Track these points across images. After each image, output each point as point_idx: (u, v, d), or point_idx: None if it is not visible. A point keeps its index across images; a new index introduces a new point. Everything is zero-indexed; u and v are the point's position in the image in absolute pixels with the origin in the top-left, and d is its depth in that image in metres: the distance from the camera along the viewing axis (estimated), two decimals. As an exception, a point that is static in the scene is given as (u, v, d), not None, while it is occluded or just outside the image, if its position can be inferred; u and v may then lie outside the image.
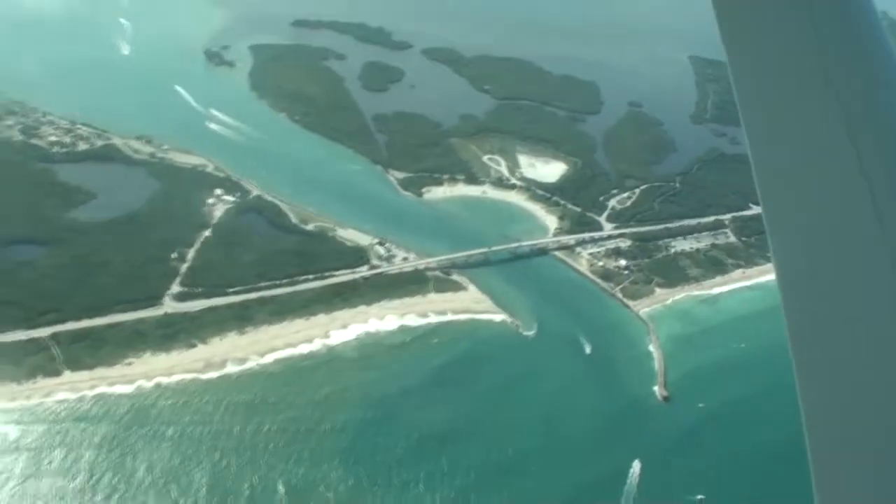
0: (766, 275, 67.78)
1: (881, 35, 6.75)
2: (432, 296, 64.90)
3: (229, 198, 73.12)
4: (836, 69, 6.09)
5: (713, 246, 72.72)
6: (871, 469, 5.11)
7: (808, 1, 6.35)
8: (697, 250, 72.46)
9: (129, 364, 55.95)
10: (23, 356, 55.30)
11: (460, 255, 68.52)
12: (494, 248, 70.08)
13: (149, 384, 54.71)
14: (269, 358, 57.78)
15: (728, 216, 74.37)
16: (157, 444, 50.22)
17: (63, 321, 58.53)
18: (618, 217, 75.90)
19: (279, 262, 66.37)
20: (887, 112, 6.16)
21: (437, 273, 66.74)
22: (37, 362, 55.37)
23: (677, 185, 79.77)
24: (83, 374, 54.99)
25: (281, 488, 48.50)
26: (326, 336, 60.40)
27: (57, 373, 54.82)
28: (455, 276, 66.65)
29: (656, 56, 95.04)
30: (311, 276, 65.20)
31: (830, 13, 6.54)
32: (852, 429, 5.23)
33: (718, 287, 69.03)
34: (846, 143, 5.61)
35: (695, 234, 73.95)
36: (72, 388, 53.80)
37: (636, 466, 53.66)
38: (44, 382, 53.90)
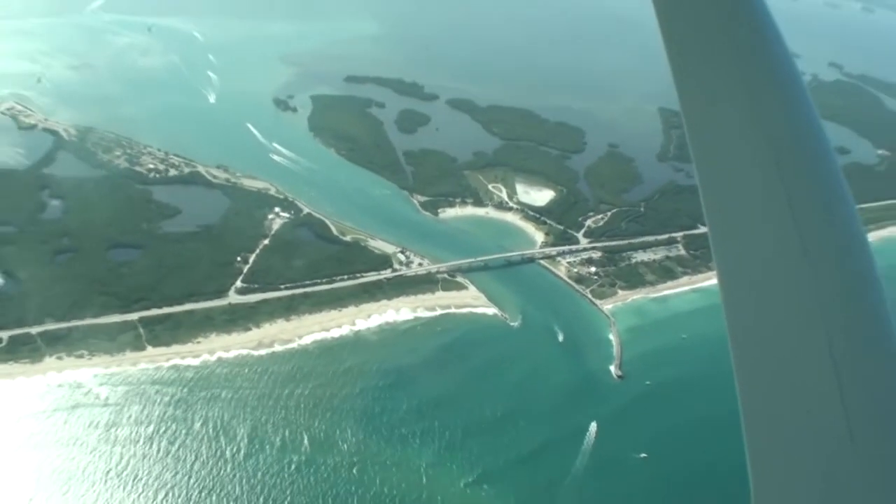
0: (707, 280, 68.28)
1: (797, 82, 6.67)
2: (440, 293, 65.89)
3: (285, 214, 73.98)
4: (771, 125, 6.21)
5: (666, 257, 73.22)
6: (803, 458, 5.13)
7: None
8: (654, 261, 73.00)
9: (198, 342, 57.53)
10: (117, 334, 56.83)
11: (464, 261, 69.35)
12: (492, 257, 70.92)
13: (212, 358, 56.27)
14: (307, 339, 59.08)
15: (680, 234, 74.76)
16: (213, 403, 51.79)
17: (149, 308, 59.84)
18: (592, 233, 76.28)
19: (321, 265, 67.40)
20: (812, 154, 6.24)
21: (445, 275, 67.67)
22: (127, 339, 56.82)
23: (641, 209, 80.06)
24: (161, 350, 56.53)
25: (306, 440, 49.56)
26: (353, 323, 61.45)
27: (142, 348, 56.39)
28: (459, 278, 67.52)
29: (632, 108, 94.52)
30: (345, 277, 66.31)
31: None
32: (784, 416, 5.27)
33: (668, 290, 69.63)
34: (776, 180, 5.71)
35: (652, 248, 74.47)
36: (151, 359, 55.37)
37: (593, 428, 54.32)
38: (131, 355, 55.48)
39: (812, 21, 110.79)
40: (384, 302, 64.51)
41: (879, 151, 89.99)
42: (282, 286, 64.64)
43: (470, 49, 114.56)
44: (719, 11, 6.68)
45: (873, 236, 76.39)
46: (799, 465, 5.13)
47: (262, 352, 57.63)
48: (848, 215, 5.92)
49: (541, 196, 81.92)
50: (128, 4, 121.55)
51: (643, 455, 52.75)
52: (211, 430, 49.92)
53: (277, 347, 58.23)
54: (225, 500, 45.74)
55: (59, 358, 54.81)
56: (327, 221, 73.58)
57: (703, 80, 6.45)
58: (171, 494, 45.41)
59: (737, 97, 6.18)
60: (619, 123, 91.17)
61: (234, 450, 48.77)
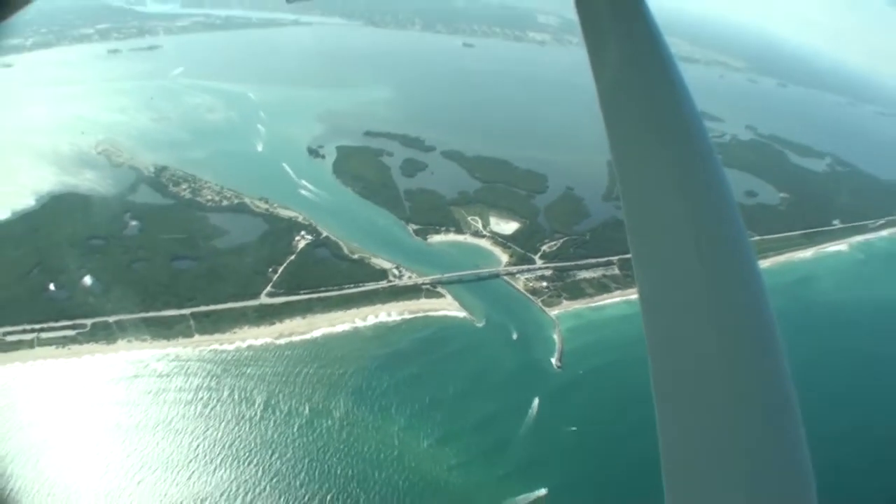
0: (632, 294, 67.56)
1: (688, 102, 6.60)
2: (423, 300, 67.15)
3: (308, 237, 75.19)
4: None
5: (603, 275, 73.79)
6: (713, 456, 4.90)
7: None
8: (593, 278, 73.75)
9: (234, 332, 59.57)
10: (172, 324, 59.19)
11: (444, 275, 70.49)
12: (466, 272, 71.87)
13: (243, 344, 58.33)
14: (317, 332, 60.89)
15: (615, 258, 75.27)
16: (239, 378, 53.94)
17: (198, 305, 61.85)
18: (546, 256, 76.98)
19: (333, 276, 68.81)
20: (714, 196, 6.06)
21: (428, 286, 68.74)
22: (179, 328, 59.11)
23: (587, 237, 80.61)
24: (205, 337, 58.74)
25: (307, 408, 51.63)
26: (353, 321, 63.11)
27: (190, 335, 58.63)
28: (439, 289, 68.63)
29: (586, 158, 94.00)
30: (351, 285, 67.76)
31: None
32: (686, 401, 5.12)
33: (603, 300, 70.49)
34: (684, 218, 5.74)
35: (593, 268, 75.07)
36: (196, 344, 57.64)
37: (535, 403, 55.77)
38: (181, 340, 57.82)
39: (735, 93, 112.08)
40: (379, 306, 65.96)
41: (781, 195, 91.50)
42: (301, 292, 66.14)
43: (461, 109, 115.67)
44: (644, 85, 6.77)
45: (773, 260, 77.83)
46: (700, 444, 4.97)
47: (282, 341, 59.48)
48: (742, 242, 5.92)
49: (508, 227, 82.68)
50: (200, 72, 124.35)
51: (573, 428, 53.88)
52: (236, 398, 52.02)
53: (294, 338, 60.08)
54: (242, 449, 47.66)
55: (129, 341, 56.98)
56: (340, 243, 74.84)
57: (632, 143, 6.49)
58: (202, 443, 47.54)
59: (658, 158, 6.25)
60: (574, 170, 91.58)
61: (252, 413, 50.70)
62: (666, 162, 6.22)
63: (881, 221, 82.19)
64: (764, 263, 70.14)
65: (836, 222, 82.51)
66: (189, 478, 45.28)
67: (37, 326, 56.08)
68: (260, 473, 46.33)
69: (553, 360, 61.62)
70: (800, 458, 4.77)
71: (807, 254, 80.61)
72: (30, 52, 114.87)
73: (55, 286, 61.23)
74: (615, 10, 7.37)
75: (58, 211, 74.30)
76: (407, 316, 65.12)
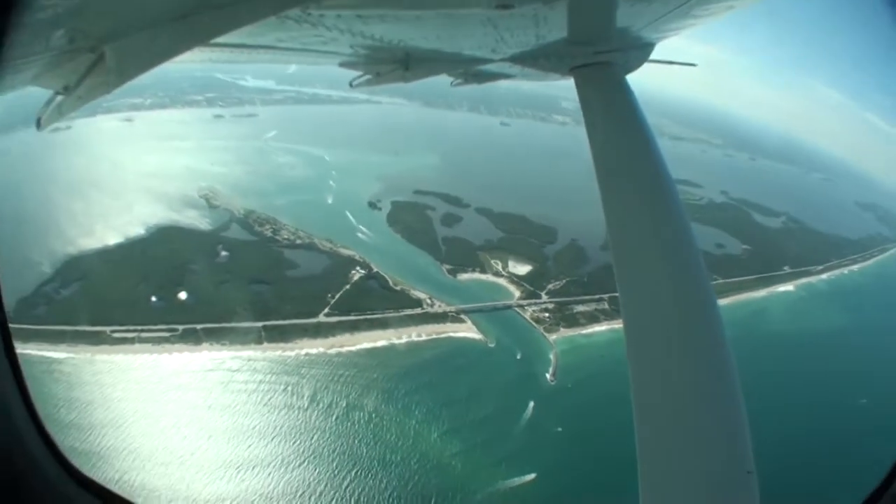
0: (618, 324, 66.87)
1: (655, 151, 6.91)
2: (448, 324, 69.81)
3: (362, 271, 78.19)
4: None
5: (595, 309, 74.77)
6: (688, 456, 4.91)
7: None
8: (587, 311, 74.93)
9: (295, 343, 63.18)
10: (246, 333, 63.15)
11: (467, 306, 73.15)
12: (485, 304, 74.23)
13: (301, 353, 61.95)
14: (361, 346, 64.13)
15: (606, 295, 75.23)
16: (293, 377, 57.97)
17: (269, 320, 65.23)
18: (550, 293, 78.67)
19: (378, 302, 71.83)
20: (682, 251, 6.36)
21: (453, 314, 71.49)
22: (251, 337, 62.81)
23: (585, 279, 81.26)
24: (272, 345, 62.54)
25: (345, 402, 55.20)
26: (390, 339, 66.03)
27: (260, 343, 62.40)
28: (462, 316, 71.27)
29: (591, 217, 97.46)
30: (391, 310, 70.52)
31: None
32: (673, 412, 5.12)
33: (593, 329, 71.85)
34: (659, 264, 5.92)
35: (587, 303, 76.04)
36: (264, 350, 61.43)
37: (530, 406, 57.97)
38: (253, 346, 61.75)
39: (713, 165, 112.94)
40: (412, 327, 68.63)
41: (743, 246, 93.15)
42: (352, 314, 69.08)
43: (494, 175, 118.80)
44: (628, 151, 7.08)
45: (733, 298, 78.82)
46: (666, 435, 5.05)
47: (332, 351, 62.95)
48: (702, 280, 6.22)
49: (522, 269, 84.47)
50: (288, 137, 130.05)
51: (559, 429, 55.77)
52: (289, 391, 55.94)
53: (342, 349, 63.41)
54: (290, 430, 51.55)
55: (210, 344, 61.02)
56: (387, 277, 77.86)
57: (617, 200, 6.72)
58: (258, 422, 51.67)
59: (638, 214, 6.50)
60: (579, 225, 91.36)
61: (300, 404, 54.48)
62: (644, 217, 6.56)
63: (821, 267, 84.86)
64: (726, 301, 72.46)
65: (785, 268, 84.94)
66: (247, 449, 49.39)
67: (139, 328, 60.87)
68: (302, 449, 50.10)
69: (548, 375, 63.73)
70: (744, 454, 4.87)
71: (761, 293, 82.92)
72: (148, 111, 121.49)
73: (156, 298, 65.88)
74: (603, 93, 8.06)
75: (163, 240, 79.35)
76: (434, 336, 67.81)
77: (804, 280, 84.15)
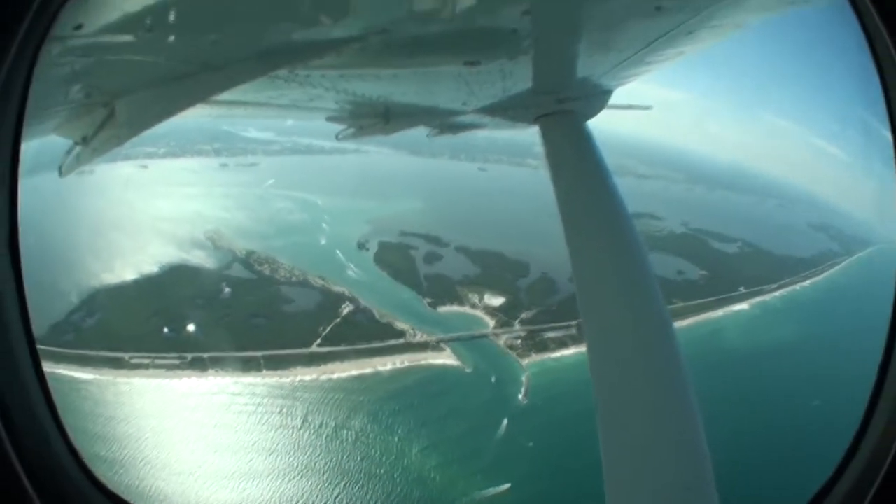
0: (583, 347, 70.08)
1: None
2: (429, 352, 71.52)
3: (352, 306, 79.44)
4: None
5: (564, 335, 75.61)
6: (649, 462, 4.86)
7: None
8: (557, 337, 76.09)
9: (291, 370, 64.92)
10: (247, 362, 65.08)
11: (446, 335, 74.72)
12: (462, 334, 75.85)
13: (296, 379, 63.95)
14: (348, 373, 66.16)
15: (574, 322, 73.13)
16: (287, 400, 60.02)
17: (267, 350, 66.71)
18: (523, 322, 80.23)
19: (365, 334, 73.34)
20: (640, 279, 6.42)
21: (433, 343, 73.12)
22: (252, 365, 64.68)
23: (555, 308, 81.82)
24: (270, 372, 64.42)
25: (334, 422, 57.21)
26: (376, 366, 67.84)
27: (260, 370, 64.34)
28: (442, 345, 72.88)
29: (560, 252, 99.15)
30: (378, 341, 72.14)
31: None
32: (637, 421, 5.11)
33: (561, 353, 73.24)
34: (618, 293, 5.95)
35: (556, 330, 76.95)
36: (263, 377, 63.57)
37: (504, 423, 59.89)
38: (253, 373, 63.92)
39: (674, 199, 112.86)
40: (396, 356, 70.36)
41: (701, 272, 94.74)
42: (342, 344, 70.47)
43: (472, 216, 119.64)
44: (588, 192, 7.10)
45: (693, 319, 79.62)
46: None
47: (324, 377, 64.77)
48: (658, 304, 6.25)
49: (497, 301, 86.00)
50: (285, 184, 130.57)
51: (530, 444, 57.69)
52: (284, 412, 58.06)
53: (333, 376, 65.20)
54: (282, 446, 53.88)
55: (215, 371, 63.13)
56: (373, 310, 79.27)
57: (580, 236, 6.64)
58: (257, 441, 53.96)
59: (598, 247, 6.46)
60: (550, 260, 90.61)
61: (294, 423, 56.76)
62: (603, 250, 6.53)
63: (775, 285, 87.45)
64: (686, 322, 74.53)
65: (741, 288, 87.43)
66: (247, 462, 51.69)
67: (153, 355, 63.21)
68: (294, 462, 52.48)
69: (520, 395, 65.65)
70: (702, 462, 4.82)
71: (718, 313, 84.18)
72: (161, 159, 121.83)
73: (168, 329, 68.03)
74: (564, 139, 8.02)
75: (174, 277, 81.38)
76: (416, 363, 69.60)
77: (759, 298, 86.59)
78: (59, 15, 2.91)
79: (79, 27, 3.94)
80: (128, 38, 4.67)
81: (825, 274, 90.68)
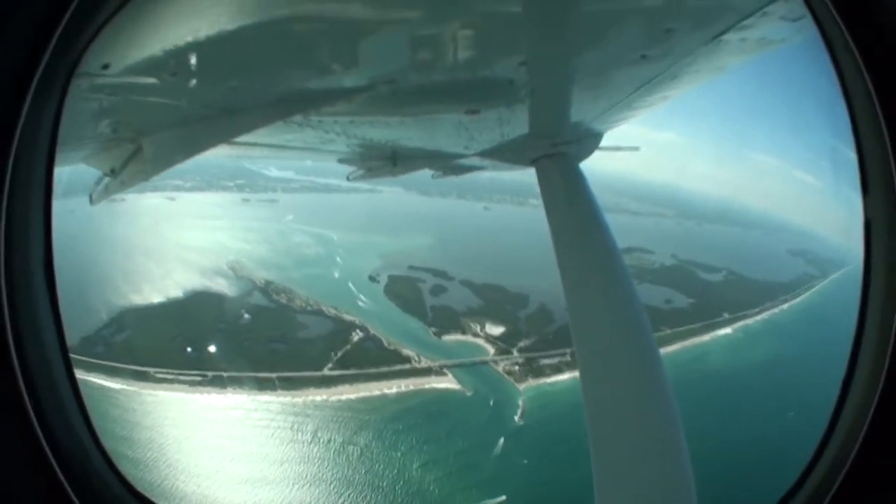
0: (576, 373, 70.34)
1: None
2: (432, 377, 73.66)
3: (362, 333, 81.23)
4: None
5: (559, 361, 76.27)
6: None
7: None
8: (552, 364, 76.82)
9: (303, 391, 67.69)
10: (263, 382, 67.64)
11: (449, 361, 76.69)
12: (464, 360, 77.45)
13: (308, 399, 66.51)
14: (358, 395, 68.72)
15: (569, 349, 71.26)
16: (301, 418, 62.70)
17: (282, 372, 68.74)
18: (521, 349, 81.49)
19: (374, 359, 75.57)
20: (627, 308, 6.59)
21: (437, 368, 75.11)
22: (267, 385, 67.17)
23: (552, 336, 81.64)
24: (284, 392, 67.01)
25: (342, 438, 60.37)
26: (382, 389, 70.28)
27: (275, 390, 66.83)
28: (444, 370, 74.93)
29: (560, 283, 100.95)
30: (384, 366, 74.23)
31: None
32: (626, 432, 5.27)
33: (556, 378, 74.34)
34: (607, 325, 6.13)
35: (552, 357, 77.77)
36: (277, 395, 66.03)
37: (500, 442, 62.17)
38: (268, 392, 66.40)
39: (665, 233, 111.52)
40: (401, 380, 72.59)
41: (689, 300, 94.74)
42: (351, 369, 73.01)
43: (476, 251, 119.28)
44: (579, 228, 7.27)
45: (680, 344, 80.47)
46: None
47: (333, 398, 67.30)
48: (644, 332, 6.46)
49: (497, 330, 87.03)
50: (303, 220, 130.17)
51: (525, 461, 60.10)
52: (295, 428, 61.15)
53: (342, 397, 67.79)
54: (292, 459, 57.30)
55: (233, 389, 65.93)
56: (382, 338, 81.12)
57: (572, 269, 6.80)
58: (267, 451, 57.65)
59: (589, 279, 6.71)
60: (549, 292, 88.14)
61: (304, 438, 60.03)
62: (594, 283, 6.76)
63: (756, 310, 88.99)
64: (673, 347, 75.77)
65: (725, 314, 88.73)
66: (259, 470, 55.61)
67: (176, 371, 66.46)
68: (302, 473, 56.03)
69: (516, 417, 67.86)
70: (683, 471, 5.10)
71: (704, 338, 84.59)
72: (188, 192, 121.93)
73: (190, 349, 71.18)
74: (559, 180, 8.10)
75: (197, 302, 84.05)
76: (420, 387, 71.99)
77: (741, 323, 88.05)
78: (86, 53, 2.96)
79: (106, 66, 4.03)
80: (152, 80, 4.78)
81: (802, 297, 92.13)
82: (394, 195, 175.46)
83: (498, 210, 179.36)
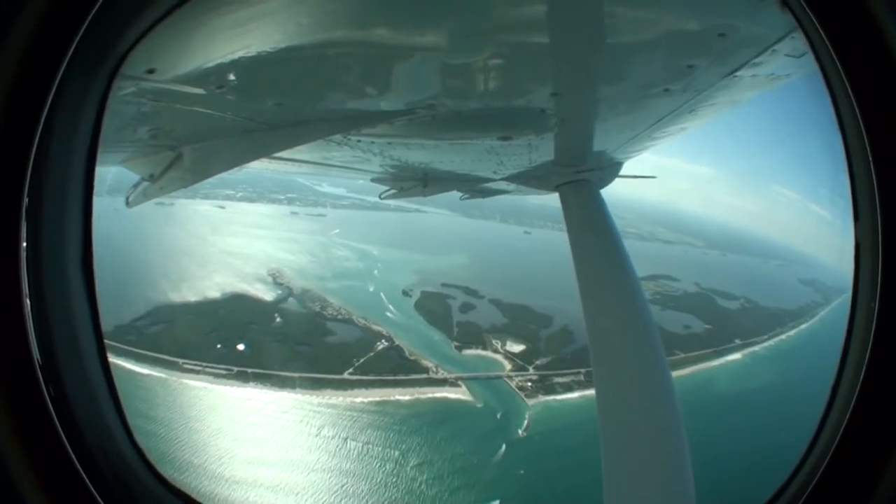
0: (588, 391, 69.69)
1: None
2: (447, 387, 75.77)
3: (386, 343, 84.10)
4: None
5: (572, 380, 77.32)
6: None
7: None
8: (565, 382, 77.92)
9: (323, 391, 70.76)
10: (285, 380, 71.15)
11: (465, 374, 78.49)
12: (480, 374, 79.24)
13: (326, 399, 69.94)
14: (373, 398, 71.13)
15: (583, 370, 75.43)
16: (318, 416, 65.96)
17: (305, 373, 72.74)
18: (537, 367, 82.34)
19: (394, 367, 78.28)
20: (642, 332, 6.59)
21: (453, 380, 77.28)
22: (289, 384, 70.60)
23: (569, 356, 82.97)
24: (305, 391, 70.57)
25: (350, 435, 63.26)
26: (398, 396, 72.85)
27: (294, 388, 70.51)
28: (459, 382, 76.94)
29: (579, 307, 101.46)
30: (403, 375, 76.99)
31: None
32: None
33: (566, 396, 75.45)
34: (625, 351, 6.02)
35: (566, 375, 78.79)
36: (298, 394, 69.75)
37: (503, 449, 64.03)
38: (288, 390, 69.94)
39: (691, 262, 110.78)
40: (417, 388, 74.97)
41: (706, 326, 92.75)
42: (370, 374, 75.74)
43: (511, 273, 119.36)
44: (600, 252, 7.36)
45: (692, 368, 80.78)
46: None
47: (347, 400, 70.16)
48: (657, 354, 6.63)
49: (517, 348, 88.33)
50: (348, 235, 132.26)
51: (521, 471, 61.61)
52: (311, 425, 64.69)
53: (356, 399, 70.71)
54: (308, 453, 60.73)
55: (255, 384, 69.88)
56: (405, 348, 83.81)
57: (592, 294, 6.86)
58: (283, 441, 61.59)
59: (607, 304, 6.72)
60: (572, 315, 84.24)
61: (320, 433, 63.91)
62: (612, 305, 6.96)
63: (766, 336, 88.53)
64: (686, 371, 75.34)
65: (736, 340, 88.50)
66: (273, 455, 59.67)
67: (204, 364, 70.67)
68: (316, 466, 59.76)
69: (520, 431, 69.06)
70: (686, 485, 5.33)
71: (715, 363, 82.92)
72: (238, 202, 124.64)
73: (220, 345, 75.38)
74: (582, 206, 8.39)
75: (233, 303, 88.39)
76: (433, 396, 74.36)
77: (750, 349, 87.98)
78: (131, 54, 2.89)
79: (151, 71, 3.97)
80: (198, 90, 4.75)
81: (807, 324, 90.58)
82: (439, 216, 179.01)
83: (538, 234, 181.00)
